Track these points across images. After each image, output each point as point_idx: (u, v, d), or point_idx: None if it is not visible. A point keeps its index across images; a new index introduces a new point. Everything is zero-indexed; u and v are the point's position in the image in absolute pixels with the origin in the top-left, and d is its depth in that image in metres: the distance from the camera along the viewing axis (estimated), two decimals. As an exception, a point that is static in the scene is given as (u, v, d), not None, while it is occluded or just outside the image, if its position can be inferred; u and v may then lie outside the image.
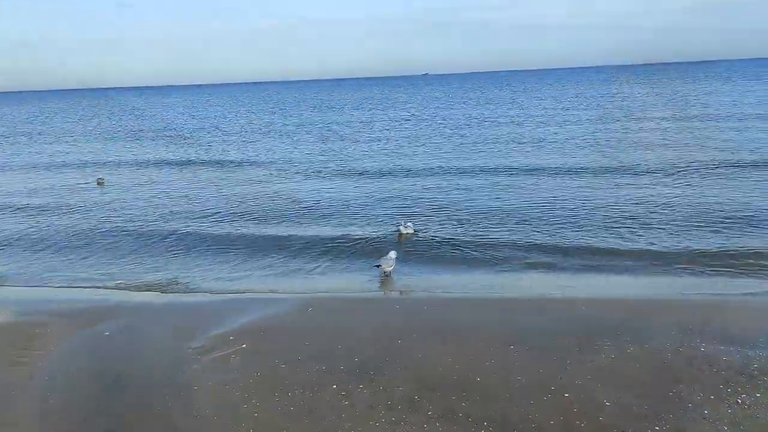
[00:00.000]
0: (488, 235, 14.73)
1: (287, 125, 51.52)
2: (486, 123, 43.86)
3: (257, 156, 32.33)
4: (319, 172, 25.88)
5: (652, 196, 18.04)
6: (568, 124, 39.10)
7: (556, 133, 34.60)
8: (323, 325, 9.72)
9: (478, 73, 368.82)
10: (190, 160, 31.79)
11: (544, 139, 32.41)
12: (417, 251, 13.99)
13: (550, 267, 12.53)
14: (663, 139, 29.83)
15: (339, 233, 15.59)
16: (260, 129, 48.81)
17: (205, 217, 18.68)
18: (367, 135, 40.02)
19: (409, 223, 15.22)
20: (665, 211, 16.16)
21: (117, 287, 12.58)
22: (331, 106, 78.25)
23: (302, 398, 7.37)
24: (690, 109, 44.34)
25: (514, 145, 30.88)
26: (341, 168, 26.61)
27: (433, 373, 7.80)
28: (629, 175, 21.28)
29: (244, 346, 9.03)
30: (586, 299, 10.31)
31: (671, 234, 14.21)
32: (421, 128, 42.86)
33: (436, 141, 34.64)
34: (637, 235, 14.22)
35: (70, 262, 14.90)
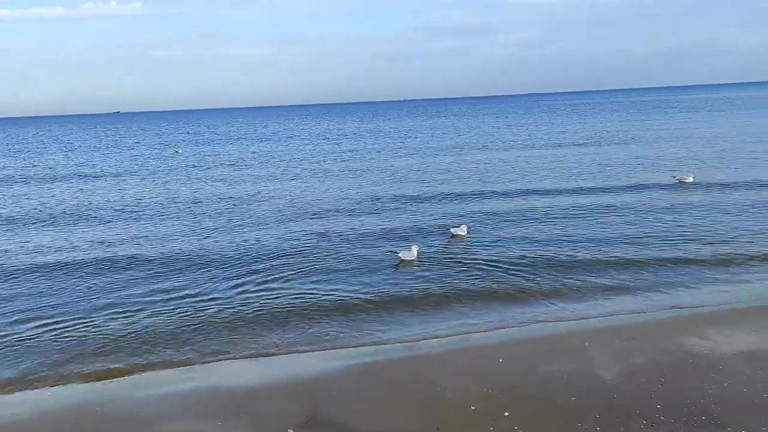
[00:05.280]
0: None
1: None
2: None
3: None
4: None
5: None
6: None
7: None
8: (560, 372, 8.38)
9: (172, 111, 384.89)
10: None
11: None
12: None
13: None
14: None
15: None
16: None
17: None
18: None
19: (414, 247, 14.34)
20: None
21: (206, 358, 9.74)
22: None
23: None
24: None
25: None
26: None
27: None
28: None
29: (506, 414, 7.33)
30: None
31: None
32: None
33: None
34: None
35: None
